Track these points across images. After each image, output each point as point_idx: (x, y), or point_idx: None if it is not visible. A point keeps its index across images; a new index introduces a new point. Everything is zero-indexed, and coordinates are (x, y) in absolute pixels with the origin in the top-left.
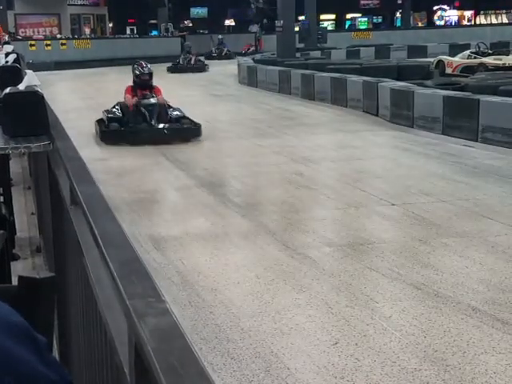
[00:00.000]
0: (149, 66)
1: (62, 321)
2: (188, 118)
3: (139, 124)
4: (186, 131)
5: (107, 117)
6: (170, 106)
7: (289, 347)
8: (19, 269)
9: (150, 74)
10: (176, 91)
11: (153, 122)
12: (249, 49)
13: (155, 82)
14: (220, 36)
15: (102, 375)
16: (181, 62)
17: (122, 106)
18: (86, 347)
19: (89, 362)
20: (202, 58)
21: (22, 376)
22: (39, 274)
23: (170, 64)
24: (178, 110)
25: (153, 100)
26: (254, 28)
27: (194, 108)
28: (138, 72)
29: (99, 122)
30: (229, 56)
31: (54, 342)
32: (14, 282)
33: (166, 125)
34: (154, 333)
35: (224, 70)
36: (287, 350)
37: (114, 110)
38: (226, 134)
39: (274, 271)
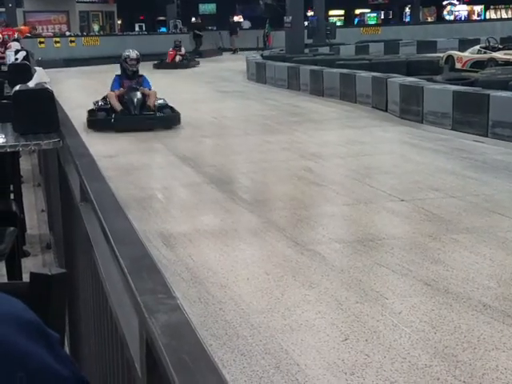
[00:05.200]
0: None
1: (72, 317)
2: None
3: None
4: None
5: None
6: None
7: (299, 343)
8: (30, 265)
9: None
10: (181, 87)
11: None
12: (176, 56)
13: None
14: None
15: (113, 371)
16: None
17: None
18: (97, 343)
19: (100, 358)
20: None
21: (35, 372)
22: (51, 270)
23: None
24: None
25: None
26: (246, 24)
27: (201, 105)
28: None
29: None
30: (185, 64)
31: (65, 337)
32: (25, 278)
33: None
34: (164, 329)
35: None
36: (297, 346)
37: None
38: (234, 131)
39: (284, 267)
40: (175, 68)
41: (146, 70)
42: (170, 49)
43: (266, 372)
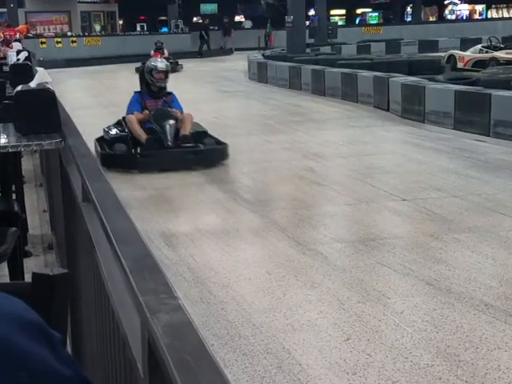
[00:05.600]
0: (166, 62)
1: (74, 317)
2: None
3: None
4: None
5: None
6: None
7: (300, 343)
8: (31, 266)
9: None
10: (182, 87)
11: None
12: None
13: None
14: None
15: (115, 371)
16: None
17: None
18: (98, 343)
19: (102, 358)
20: None
21: (37, 372)
22: (53, 270)
23: (179, 61)
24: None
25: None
26: (247, 24)
27: (202, 105)
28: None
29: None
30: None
31: (67, 337)
32: (27, 278)
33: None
34: (166, 329)
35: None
36: (299, 345)
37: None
38: (235, 131)
39: (285, 267)
40: None
41: (130, 73)
42: (152, 51)
43: (267, 372)
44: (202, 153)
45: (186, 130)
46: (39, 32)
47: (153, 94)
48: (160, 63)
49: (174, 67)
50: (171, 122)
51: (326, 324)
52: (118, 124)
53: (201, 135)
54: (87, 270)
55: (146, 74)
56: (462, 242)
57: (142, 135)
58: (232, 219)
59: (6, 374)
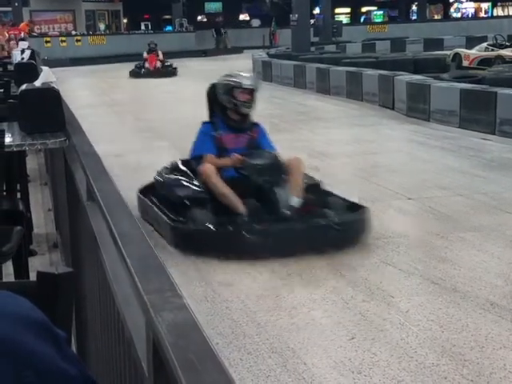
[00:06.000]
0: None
1: (79, 316)
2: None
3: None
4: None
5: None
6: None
7: (305, 342)
8: (36, 264)
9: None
10: (184, 87)
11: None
12: (156, 65)
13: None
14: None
15: (120, 370)
16: None
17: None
18: (103, 342)
19: (106, 357)
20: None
21: (42, 371)
22: (57, 269)
23: (184, 60)
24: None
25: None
26: (255, 23)
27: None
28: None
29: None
30: (170, 71)
31: (72, 336)
32: (32, 277)
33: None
34: (171, 328)
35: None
36: (303, 345)
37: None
38: None
39: (290, 266)
40: (160, 76)
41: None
42: (145, 53)
43: (272, 371)
44: (340, 226)
45: (299, 186)
46: (44, 31)
47: (233, 124)
48: (245, 78)
49: (174, 70)
50: (282, 174)
51: (330, 323)
52: (174, 169)
53: (316, 192)
54: (92, 268)
55: (220, 96)
56: (467, 241)
57: (238, 204)
58: None
59: (11, 373)
